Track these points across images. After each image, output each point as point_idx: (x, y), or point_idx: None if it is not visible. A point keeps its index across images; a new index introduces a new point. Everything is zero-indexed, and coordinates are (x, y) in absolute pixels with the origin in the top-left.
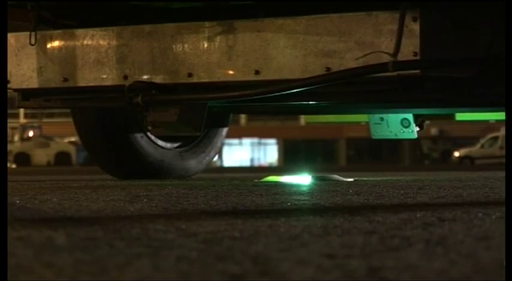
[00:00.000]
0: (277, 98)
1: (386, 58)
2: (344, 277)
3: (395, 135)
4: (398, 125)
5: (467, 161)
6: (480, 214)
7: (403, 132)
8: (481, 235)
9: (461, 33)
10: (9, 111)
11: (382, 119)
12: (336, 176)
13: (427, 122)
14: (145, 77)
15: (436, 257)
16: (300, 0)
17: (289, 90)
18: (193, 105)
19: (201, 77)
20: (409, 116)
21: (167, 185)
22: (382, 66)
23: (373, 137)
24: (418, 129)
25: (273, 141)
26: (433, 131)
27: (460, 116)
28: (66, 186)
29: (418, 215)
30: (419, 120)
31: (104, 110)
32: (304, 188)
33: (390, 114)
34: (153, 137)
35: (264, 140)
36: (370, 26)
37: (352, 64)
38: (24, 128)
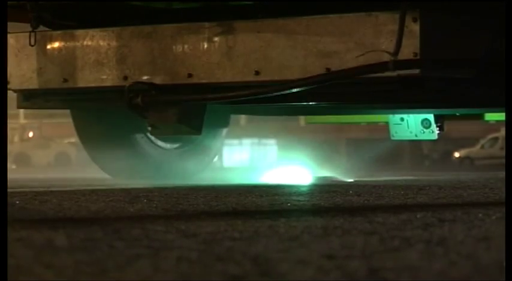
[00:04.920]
0: (277, 98)
1: (386, 59)
2: (344, 277)
3: (416, 136)
4: (419, 125)
5: (467, 162)
6: (480, 215)
7: (424, 133)
8: (481, 235)
9: (461, 33)
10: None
11: (402, 119)
12: (336, 177)
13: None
14: (145, 77)
15: (436, 258)
16: (300, 0)
17: (288, 90)
18: (193, 106)
19: (201, 77)
20: (430, 117)
21: (167, 185)
22: (382, 66)
23: (393, 138)
24: (438, 130)
25: (273, 141)
26: None
27: (489, 116)
28: (66, 186)
29: (418, 216)
30: (440, 120)
31: (103, 111)
32: (304, 189)
33: (411, 115)
34: (153, 138)
35: (264, 141)
36: (370, 27)
37: (352, 65)
38: (24, 128)
